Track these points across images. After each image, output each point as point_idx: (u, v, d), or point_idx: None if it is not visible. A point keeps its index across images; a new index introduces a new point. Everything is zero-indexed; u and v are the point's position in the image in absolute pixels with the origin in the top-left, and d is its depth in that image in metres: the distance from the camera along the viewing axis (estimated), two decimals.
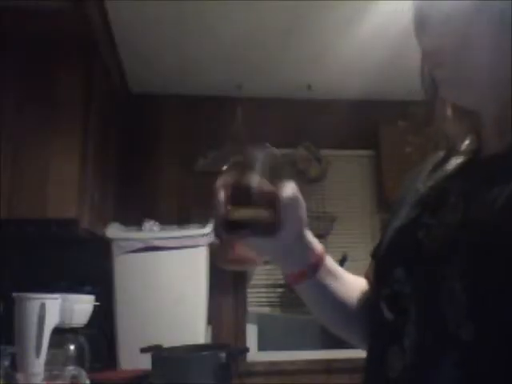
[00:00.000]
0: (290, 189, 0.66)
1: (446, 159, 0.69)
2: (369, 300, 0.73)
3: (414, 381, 0.55)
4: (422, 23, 0.58)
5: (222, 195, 0.63)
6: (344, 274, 0.75)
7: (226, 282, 2.58)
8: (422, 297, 0.57)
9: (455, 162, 0.67)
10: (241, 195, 0.63)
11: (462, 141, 0.67)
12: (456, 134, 0.67)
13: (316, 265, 0.70)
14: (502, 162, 0.58)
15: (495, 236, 0.51)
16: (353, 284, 0.76)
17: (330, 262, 0.72)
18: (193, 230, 2.30)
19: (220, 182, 0.64)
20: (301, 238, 0.69)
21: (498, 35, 0.54)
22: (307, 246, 0.70)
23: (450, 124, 0.67)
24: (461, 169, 0.65)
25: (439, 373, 0.53)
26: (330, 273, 0.72)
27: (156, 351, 1.77)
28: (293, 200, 0.66)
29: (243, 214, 0.63)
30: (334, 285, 0.72)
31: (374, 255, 0.74)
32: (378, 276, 0.68)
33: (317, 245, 0.71)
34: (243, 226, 0.64)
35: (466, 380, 0.51)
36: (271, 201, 0.64)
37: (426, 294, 0.57)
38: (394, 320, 0.61)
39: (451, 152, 0.68)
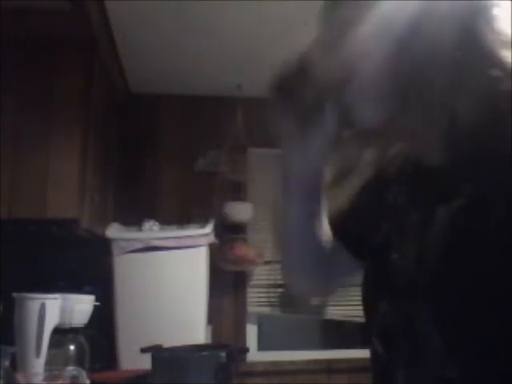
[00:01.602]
0: None
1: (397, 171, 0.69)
2: None
3: None
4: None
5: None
6: None
7: (226, 282, 2.58)
8: (404, 334, 0.57)
9: (403, 175, 0.67)
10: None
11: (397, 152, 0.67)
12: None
13: None
14: (439, 176, 0.57)
15: (447, 272, 0.52)
16: None
17: None
18: (193, 230, 2.30)
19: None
20: None
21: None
22: None
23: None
24: (408, 183, 0.65)
25: None
26: None
27: (156, 351, 1.76)
28: None
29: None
30: None
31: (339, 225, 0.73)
32: (367, 308, 0.68)
33: None
34: None
35: None
36: None
37: (407, 331, 0.57)
38: (385, 355, 0.61)
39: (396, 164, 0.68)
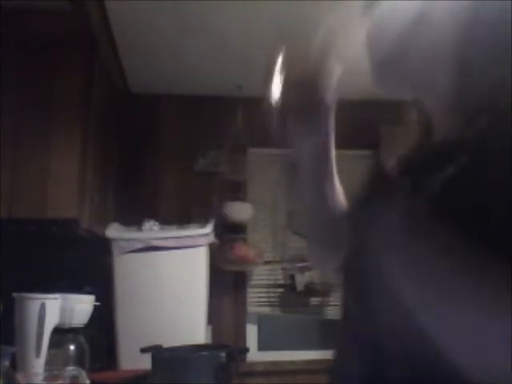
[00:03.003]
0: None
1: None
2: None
3: None
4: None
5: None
6: None
7: (226, 282, 2.58)
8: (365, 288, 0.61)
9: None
10: None
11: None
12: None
13: None
14: (433, 157, 0.58)
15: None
16: None
17: None
18: (193, 230, 2.30)
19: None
20: None
21: None
22: None
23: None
24: (409, 161, 0.66)
25: None
26: None
27: (156, 351, 1.76)
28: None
29: None
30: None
31: None
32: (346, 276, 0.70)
33: None
34: None
35: None
36: None
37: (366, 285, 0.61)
38: (356, 310, 0.64)
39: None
